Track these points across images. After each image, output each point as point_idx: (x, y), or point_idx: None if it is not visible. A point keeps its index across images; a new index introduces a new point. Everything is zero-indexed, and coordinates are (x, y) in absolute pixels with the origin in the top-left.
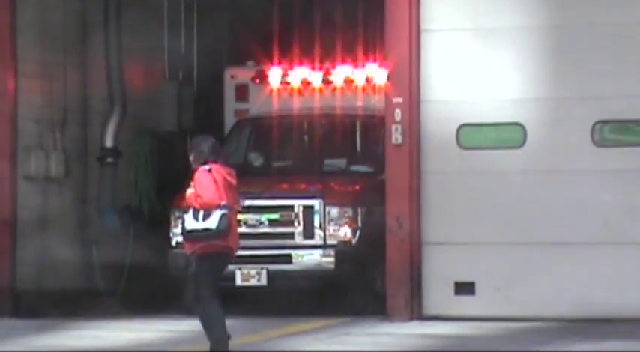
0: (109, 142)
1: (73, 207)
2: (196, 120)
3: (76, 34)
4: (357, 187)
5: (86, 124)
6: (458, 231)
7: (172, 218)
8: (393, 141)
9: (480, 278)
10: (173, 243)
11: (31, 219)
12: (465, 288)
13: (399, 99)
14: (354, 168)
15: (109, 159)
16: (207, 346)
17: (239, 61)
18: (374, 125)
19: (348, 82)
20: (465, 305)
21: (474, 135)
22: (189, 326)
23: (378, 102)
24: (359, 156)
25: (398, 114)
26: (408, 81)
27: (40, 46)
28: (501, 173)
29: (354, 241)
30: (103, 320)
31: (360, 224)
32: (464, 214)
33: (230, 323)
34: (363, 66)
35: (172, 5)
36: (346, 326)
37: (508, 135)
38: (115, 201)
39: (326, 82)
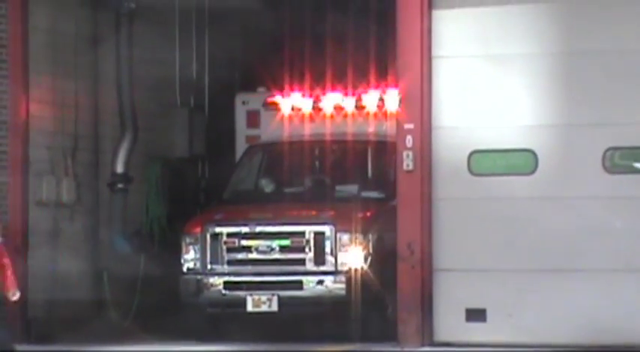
0: (119, 168)
1: (84, 232)
2: (208, 146)
3: (88, 60)
4: (369, 213)
5: (97, 150)
6: (469, 258)
7: (183, 244)
8: (405, 167)
9: (491, 305)
10: (184, 269)
11: (42, 244)
12: (476, 315)
13: (411, 126)
14: (366, 194)
15: (120, 185)
16: None
17: (250, 87)
18: (385, 151)
19: (359, 108)
20: (476, 331)
21: (485, 162)
22: None
23: (389, 128)
24: (370, 182)
25: (409, 140)
26: (420, 107)
27: (51, 72)
28: (512, 199)
29: (365, 267)
30: (114, 345)
31: (371, 250)
32: (475, 241)
33: (241, 349)
34: (375, 92)
35: (184, 32)
36: None
37: (519, 161)
38: (126, 227)
39: (337, 108)
